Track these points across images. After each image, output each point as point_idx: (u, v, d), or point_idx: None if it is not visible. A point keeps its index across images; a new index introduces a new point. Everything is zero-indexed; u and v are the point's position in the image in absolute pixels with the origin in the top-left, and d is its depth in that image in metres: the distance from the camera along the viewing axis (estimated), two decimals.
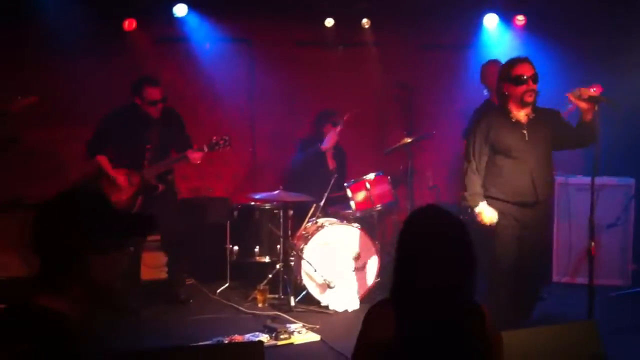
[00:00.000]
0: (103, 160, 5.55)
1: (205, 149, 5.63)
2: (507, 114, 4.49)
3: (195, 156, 5.62)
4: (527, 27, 7.24)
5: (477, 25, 7.31)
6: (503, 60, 5.24)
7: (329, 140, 6.38)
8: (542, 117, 4.50)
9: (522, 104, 4.42)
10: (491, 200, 4.52)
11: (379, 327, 2.20)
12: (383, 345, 2.16)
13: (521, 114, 4.46)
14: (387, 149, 6.43)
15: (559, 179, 6.39)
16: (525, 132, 4.44)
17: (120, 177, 5.55)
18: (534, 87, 4.38)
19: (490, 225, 4.47)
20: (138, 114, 5.62)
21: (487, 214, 4.47)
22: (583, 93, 4.27)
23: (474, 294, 2.27)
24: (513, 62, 4.46)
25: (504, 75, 4.46)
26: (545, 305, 5.67)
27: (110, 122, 5.63)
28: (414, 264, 2.25)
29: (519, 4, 7.15)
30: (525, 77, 4.36)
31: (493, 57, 6.11)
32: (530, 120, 4.47)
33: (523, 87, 4.37)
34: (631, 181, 6.36)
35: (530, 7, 7.12)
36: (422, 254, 2.24)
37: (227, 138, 5.65)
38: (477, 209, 4.50)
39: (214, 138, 5.65)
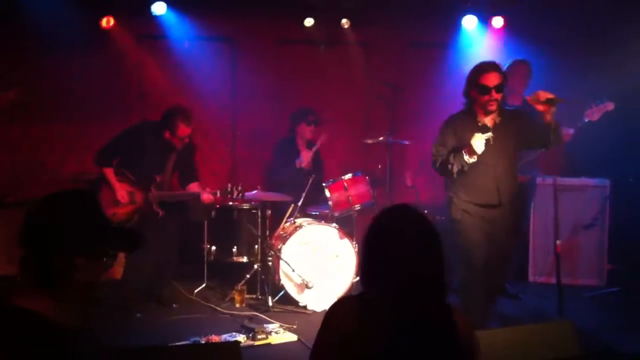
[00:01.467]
0: (109, 172, 5.53)
1: (218, 194, 5.73)
2: (474, 117, 4.53)
3: (208, 198, 5.72)
4: (506, 28, 7.29)
5: (457, 25, 7.35)
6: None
7: (303, 161, 6.47)
8: (509, 119, 4.54)
9: (485, 112, 4.48)
10: (459, 200, 4.58)
11: (341, 322, 2.20)
12: (344, 340, 2.15)
13: (487, 119, 4.52)
14: (364, 140, 6.46)
15: (538, 179, 6.45)
16: (490, 137, 4.41)
17: (121, 191, 5.53)
18: (497, 96, 4.40)
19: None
20: (161, 140, 5.59)
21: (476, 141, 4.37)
22: (540, 96, 4.37)
23: (444, 291, 2.27)
24: (480, 69, 4.47)
25: (472, 80, 4.49)
26: (521, 304, 5.72)
27: (132, 137, 5.60)
28: (380, 261, 2.25)
29: (497, 5, 7.20)
30: (489, 87, 4.39)
31: (471, 58, 6.14)
32: (496, 125, 4.50)
33: (486, 97, 4.40)
34: (606, 182, 6.43)
35: (508, 9, 7.17)
36: (388, 251, 2.24)
37: (241, 189, 5.66)
38: (471, 142, 4.34)
39: (229, 186, 5.67)
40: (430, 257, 2.25)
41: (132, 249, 2.10)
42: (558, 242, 4.36)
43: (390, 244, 2.25)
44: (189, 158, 5.91)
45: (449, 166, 4.46)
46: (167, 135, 5.56)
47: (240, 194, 5.67)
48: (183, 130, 5.54)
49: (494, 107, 4.43)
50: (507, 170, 4.54)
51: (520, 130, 4.55)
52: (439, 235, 2.30)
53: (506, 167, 4.53)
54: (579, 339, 2.77)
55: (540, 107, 4.39)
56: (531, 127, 4.56)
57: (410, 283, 2.20)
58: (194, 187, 5.89)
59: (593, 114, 5.44)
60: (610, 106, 5.27)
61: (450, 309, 2.26)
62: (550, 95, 4.35)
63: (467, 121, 4.53)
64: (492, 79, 4.40)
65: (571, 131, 5.48)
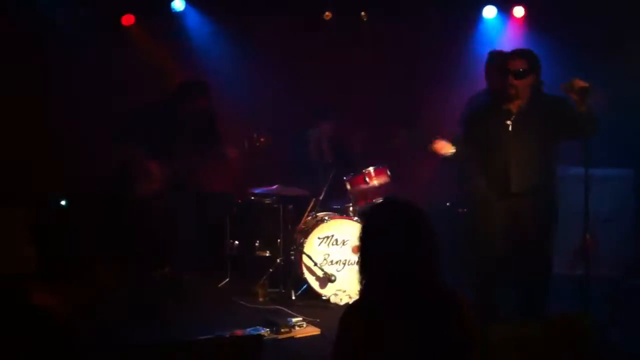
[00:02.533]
0: (131, 149, 5.52)
1: (246, 145, 5.69)
2: (497, 102, 4.49)
3: (233, 152, 5.71)
4: (527, 18, 7.22)
5: (477, 16, 7.30)
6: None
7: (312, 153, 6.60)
8: (540, 107, 4.42)
9: (506, 97, 4.40)
10: (474, 190, 4.61)
11: (352, 329, 2.22)
12: (358, 345, 2.17)
13: (512, 105, 4.43)
14: (388, 142, 6.44)
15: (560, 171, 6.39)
16: (509, 122, 4.40)
17: (153, 166, 5.55)
18: (516, 83, 4.33)
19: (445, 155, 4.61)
20: (178, 111, 5.62)
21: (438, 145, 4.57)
22: (575, 84, 4.20)
23: (439, 279, 2.29)
24: (508, 55, 4.46)
25: (498, 66, 4.51)
26: None
27: (148, 112, 5.63)
28: (374, 259, 2.28)
29: None
30: (511, 71, 4.34)
31: (493, 49, 6.10)
32: (520, 110, 4.41)
33: (505, 81, 4.36)
34: (630, 172, 6.34)
35: None
36: (381, 246, 2.27)
37: (268, 136, 5.68)
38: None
39: (254, 135, 5.68)
40: (422, 246, 2.27)
41: (152, 258, 2.11)
42: (588, 236, 4.28)
43: (381, 242, 2.28)
44: (212, 127, 5.89)
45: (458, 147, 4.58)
46: (184, 107, 5.60)
47: (268, 141, 5.69)
48: (201, 101, 5.62)
49: (513, 91, 4.34)
50: (528, 159, 4.41)
51: (552, 117, 4.40)
52: (427, 221, 2.31)
53: (527, 155, 4.41)
54: (599, 331, 2.76)
55: (574, 96, 4.22)
56: (565, 116, 4.37)
57: (405, 277, 2.22)
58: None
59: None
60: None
61: (456, 296, 2.28)
62: (585, 84, 4.18)
63: (488, 107, 4.51)
64: (516, 64, 4.34)
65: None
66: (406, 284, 2.23)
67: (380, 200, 5.81)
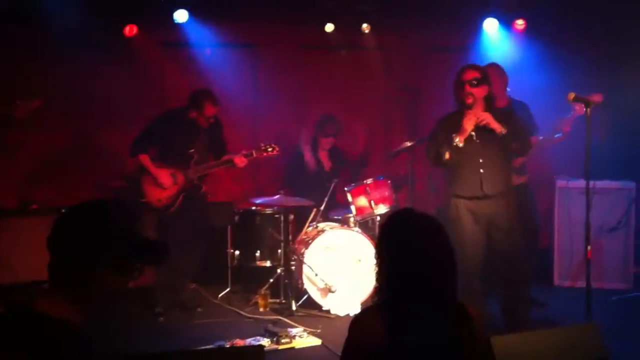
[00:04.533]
0: (145, 159, 5.66)
1: (254, 154, 5.81)
2: (462, 116, 4.81)
3: (242, 161, 5.79)
4: (527, 31, 7.24)
5: (478, 29, 7.32)
6: (502, 64, 5.42)
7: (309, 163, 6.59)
8: (496, 117, 4.78)
9: (466, 107, 4.78)
10: (454, 199, 4.88)
11: (367, 334, 2.20)
12: (371, 352, 2.16)
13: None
14: (389, 153, 6.47)
15: (560, 182, 6.39)
16: (473, 133, 4.76)
17: (162, 176, 5.65)
18: (471, 90, 4.75)
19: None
20: (188, 121, 5.75)
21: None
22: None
23: (456, 293, 2.30)
24: (461, 69, 4.86)
25: (455, 80, 4.85)
26: (547, 309, 5.66)
27: (161, 124, 5.75)
28: (396, 269, 2.27)
29: (519, 8, 7.16)
30: (463, 81, 4.77)
31: (493, 61, 6.14)
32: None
33: (462, 92, 4.77)
34: (632, 185, 6.35)
35: (530, 11, 7.12)
36: (402, 258, 2.26)
37: (274, 145, 5.85)
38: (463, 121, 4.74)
39: (262, 145, 5.86)
40: (444, 257, 2.29)
41: (157, 262, 2.11)
42: (589, 247, 4.30)
43: (407, 257, 2.27)
44: (219, 136, 6.00)
45: (441, 152, 4.80)
46: (194, 115, 5.71)
47: (274, 150, 5.83)
48: (209, 109, 5.71)
49: (470, 100, 4.74)
50: (492, 166, 4.77)
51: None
52: (445, 234, 2.33)
53: (491, 162, 4.77)
54: (605, 342, 2.74)
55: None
56: (512, 128, 4.78)
57: (420, 287, 2.23)
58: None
59: (565, 125, 5.55)
60: (597, 98, 4.98)
61: (467, 311, 2.30)
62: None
63: (455, 120, 4.83)
64: (468, 74, 4.77)
65: (540, 138, 5.65)
66: (420, 295, 2.22)
67: (395, 209, 5.84)
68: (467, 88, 4.75)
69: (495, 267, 4.89)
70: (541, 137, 5.64)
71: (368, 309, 2.31)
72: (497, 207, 4.79)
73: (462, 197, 4.84)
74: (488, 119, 4.70)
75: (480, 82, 4.78)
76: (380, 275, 2.32)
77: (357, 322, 2.28)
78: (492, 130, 4.72)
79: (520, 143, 4.83)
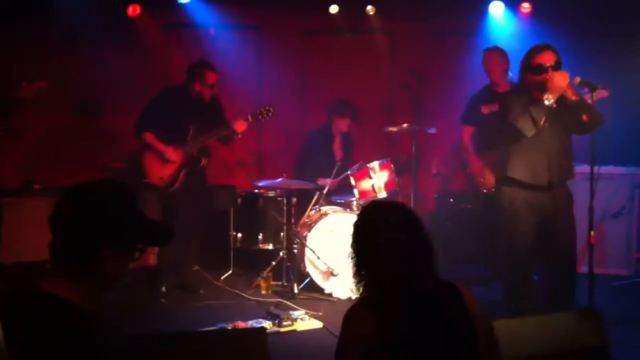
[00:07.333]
0: (149, 136, 5.61)
1: (250, 119, 5.73)
2: (531, 100, 4.33)
3: (241, 126, 5.70)
4: (533, 14, 7.19)
5: (484, 12, 7.27)
6: (507, 47, 5.34)
7: (329, 184, 6.20)
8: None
9: (543, 92, 4.23)
10: (508, 189, 4.49)
11: (358, 329, 2.20)
12: (365, 344, 2.16)
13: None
14: (386, 129, 6.40)
15: None
16: (552, 103, 4.21)
17: (168, 151, 5.60)
18: (554, 75, 4.17)
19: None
20: (189, 96, 5.69)
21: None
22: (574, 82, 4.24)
23: (436, 274, 2.31)
24: (533, 50, 4.33)
25: (525, 64, 4.35)
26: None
27: (161, 101, 5.70)
28: (373, 261, 2.29)
29: None
30: (545, 66, 4.23)
31: (498, 45, 6.11)
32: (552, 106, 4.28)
33: (543, 76, 4.22)
34: (637, 170, 6.33)
35: None
36: (376, 250, 2.28)
37: (270, 108, 5.75)
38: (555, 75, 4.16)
39: (258, 109, 5.75)
40: (417, 242, 2.30)
41: (161, 244, 2.11)
42: (592, 232, 4.27)
43: (375, 243, 2.28)
44: (219, 111, 5.94)
45: (522, 125, 4.27)
46: (197, 86, 5.65)
47: (271, 112, 5.74)
48: (211, 76, 5.67)
49: (552, 84, 4.17)
50: (560, 153, 4.40)
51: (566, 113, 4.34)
52: (420, 219, 2.35)
53: (559, 149, 4.40)
54: (606, 328, 2.74)
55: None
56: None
57: (406, 273, 2.23)
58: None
59: None
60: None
61: (457, 289, 2.30)
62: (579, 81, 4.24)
63: (525, 99, 4.34)
64: (547, 58, 4.24)
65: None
66: (407, 281, 2.23)
67: (374, 199, 5.81)
68: (550, 72, 4.18)
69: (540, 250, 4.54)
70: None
71: (355, 305, 2.31)
72: (558, 198, 4.43)
73: (521, 185, 4.42)
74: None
75: (561, 65, 4.25)
76: (358, 272, 2.33)
77: (346, 319, 2.29)
78: (560, 113, 4.25)
79: (591, 114, 4.25)
